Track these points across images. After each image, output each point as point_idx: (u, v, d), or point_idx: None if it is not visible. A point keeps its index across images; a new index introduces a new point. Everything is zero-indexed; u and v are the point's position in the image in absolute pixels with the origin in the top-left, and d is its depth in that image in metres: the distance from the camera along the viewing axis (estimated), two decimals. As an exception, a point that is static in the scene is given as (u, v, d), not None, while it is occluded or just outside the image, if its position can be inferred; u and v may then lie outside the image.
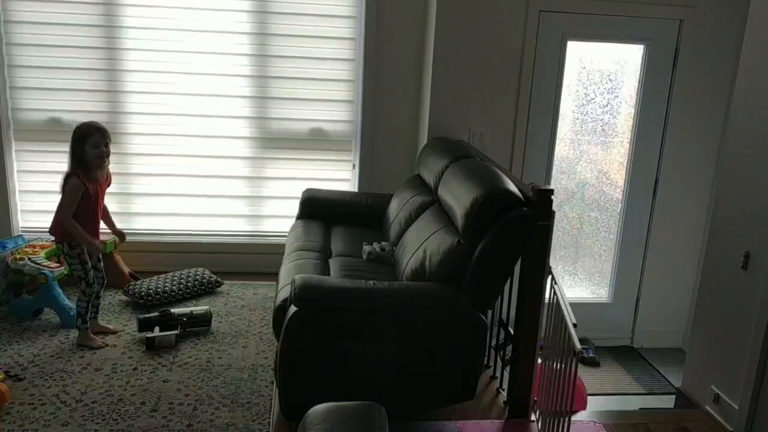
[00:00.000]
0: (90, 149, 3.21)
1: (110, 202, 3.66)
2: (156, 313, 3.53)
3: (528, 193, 2.73)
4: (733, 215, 3.12)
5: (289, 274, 3.06)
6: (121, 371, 3.16)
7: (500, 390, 3.14)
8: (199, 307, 3.69)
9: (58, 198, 3.28)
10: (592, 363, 4.52)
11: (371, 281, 2.71)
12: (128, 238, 4.15)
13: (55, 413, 2.79)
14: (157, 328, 3.45)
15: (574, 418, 3.01)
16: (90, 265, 3.35)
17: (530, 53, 4.19)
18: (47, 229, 3.36)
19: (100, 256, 3.48)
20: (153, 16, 4.24)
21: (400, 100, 4.49)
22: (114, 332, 3.54)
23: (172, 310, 3.56)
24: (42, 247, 3.93)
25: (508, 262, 2.70)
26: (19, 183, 4.37)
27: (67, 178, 3.23)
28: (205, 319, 3.61)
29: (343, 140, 4.58)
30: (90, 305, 3.39)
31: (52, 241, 3.80)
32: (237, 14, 4.32)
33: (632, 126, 4.47)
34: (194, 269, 4.22)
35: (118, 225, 3.62)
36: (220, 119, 4.45)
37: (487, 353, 3.29)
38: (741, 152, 3.09)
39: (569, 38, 4.27)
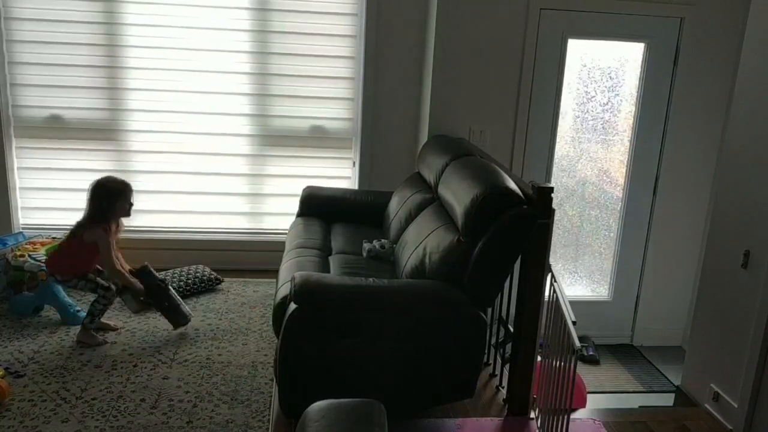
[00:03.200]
0: (123, 205, 3.39)
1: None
2: (160, 278, 3.51)
3: (528, 191, 2.73)
4: (733, 213, 3.12)
5: (289, 271, 3.06)
6: (121, 368, 3.16)
7: (500, 388, 3.14)
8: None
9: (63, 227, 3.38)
10: (592, 361, 4.52)
11: (371, 279, 2.71)
12: (128, 236, 4.15)
13: (55, 410, 2.79)
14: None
15: (573, 415, 3.02)
16: (94, 276, 3.44)
17: (531, 51, 4.19)
18: (48, 227, 3.37)
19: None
20: (153, 13, 4.24)
21: (400, 97, 4.49)
22: (114, 329, 3.55)
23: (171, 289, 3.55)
24: (42, 244, 3.93)
25: (508, 260, 2.70)
26: (19, 180, 4.37)
27: (88, 229, 3.32)
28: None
29: (344, 138, 4.58)
30: (105, 308, 3.44)
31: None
32: (237, 11, 4.32)
33: (633, 124, 4.47)
34: (194, 266, 4.22)
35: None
36: (221, 116, 4.45)
37: (486, 351, 3.29)
38: (741, 150, 3.09)
39: (570, 36, 4.26)
